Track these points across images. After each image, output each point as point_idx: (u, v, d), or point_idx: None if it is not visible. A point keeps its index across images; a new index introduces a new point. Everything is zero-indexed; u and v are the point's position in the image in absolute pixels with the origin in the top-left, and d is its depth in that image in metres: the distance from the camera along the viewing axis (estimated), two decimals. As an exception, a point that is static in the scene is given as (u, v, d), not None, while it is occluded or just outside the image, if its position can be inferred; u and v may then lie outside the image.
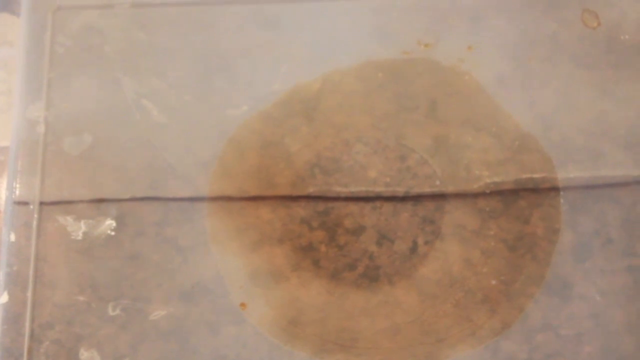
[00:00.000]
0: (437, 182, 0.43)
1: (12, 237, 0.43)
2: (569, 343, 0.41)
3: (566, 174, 0.43)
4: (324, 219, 0.43)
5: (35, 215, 0.43)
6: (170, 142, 0.44)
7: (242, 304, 0.42)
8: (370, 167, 0.44)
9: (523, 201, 0.43)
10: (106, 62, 0.45)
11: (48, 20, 0.46)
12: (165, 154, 0.44)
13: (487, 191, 0.43)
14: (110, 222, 0.43)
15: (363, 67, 0.45)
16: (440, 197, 0.43)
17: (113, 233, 0.43)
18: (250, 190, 0.43)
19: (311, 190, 0.43)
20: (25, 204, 0.43)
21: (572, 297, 0.41)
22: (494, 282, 0.42)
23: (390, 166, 0.44)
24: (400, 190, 0.43)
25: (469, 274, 0.42)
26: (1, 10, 0.49)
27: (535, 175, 0.43)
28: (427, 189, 0.43)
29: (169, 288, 0.42)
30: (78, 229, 0.43)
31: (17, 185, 0.44)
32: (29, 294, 0.43)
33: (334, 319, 0.42)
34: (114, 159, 0.44)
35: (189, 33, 0.46)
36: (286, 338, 0.42)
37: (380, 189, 0.43)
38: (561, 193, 0.43)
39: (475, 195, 0.43)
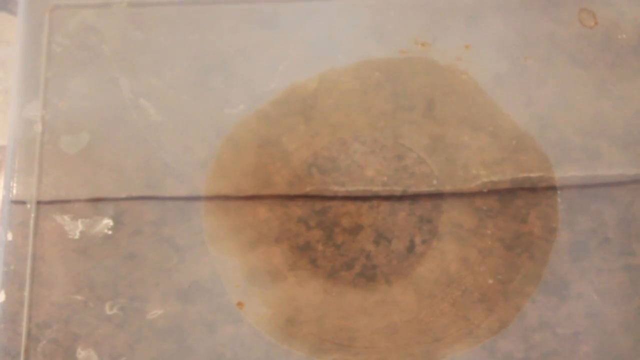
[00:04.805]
0: (435, 182, 0.43)
1: (9, 236, 0.43)
2: (565, 342, 0.41)
3: (563, 173, 0.43)
4: (321, 218, 0.43)
5: (33, 215, 0.43)
6: (168, 141, 0.44)
7: (239, 303, 0.42)
8: (368, 166, 0.44)
9: (520, 200, 0.43)
10: (103, 61, 0.45)
11: (45, 19, 0.46)
12: (163, 153, 0.44)
13: (484, 190, 0.43)
14: (107, 222, 0.43)
15: (360, 66, 0.45)
16: (437, 196, 0.43)
17: (110, 232, 0.43)
18: (247, 190, 0.43)
19: (308, 189, 0.43)
20: (23, 203, 0.43)
21: (569, 296, 0.41)
22: (491, 281, 0.42)
23: (387, 165, 0.44)
24: (397, 189, 0.43)
25: (466, 273, 0.42)
26: (-2, 9, 0.49)
27: (533, 175, 0.43)
28: (424, 188, 0.43)
29: (166, 287, 0.42)
30: (75, 228, 0.43)
31: (14, 185, 0.44)
32: (26, 293, 0.42)
33: (331, 318, 0.42)
34: (111, 158, 0.44)
35: (186, 32, 0.46)
36: (283, 337, 0.42)
37: (377, 188, 0.43)
38: (558, 192, 0.43)
39: (473, 194, 0.43)
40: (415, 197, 0.43)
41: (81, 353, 0.42)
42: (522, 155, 0.43)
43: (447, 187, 0.43)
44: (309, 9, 0.46)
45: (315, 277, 0.42)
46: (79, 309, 0.42)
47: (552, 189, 0.43)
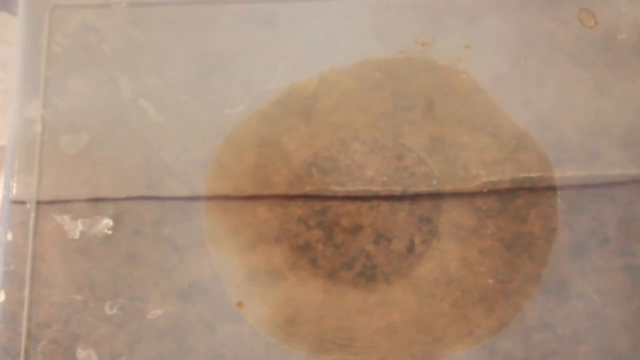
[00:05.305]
0: (434, 181, 0.43)
1: (9, 236, 0.43)
2: (566, 342, 0.41)
3: (563, 173, 0.43)
4: (321, 218, 0.43)
5: (32, 215, 0.43)
6: (167, 141, 0.44)
7: (239, 303, 0.42)
8: (368, 166, 0.44)
9: (520, 200, 0.43)
10: (103, 61, 0.45)
11: (45, 19, 0.46)
12: (162, 153, 0.44)
13: (484, 190, 0.43)
14: (107, 221, 0.43)
15: (360, 66, 0.45)
16: (437, 196, 0.43)
17: (110, 232, 0.43)
18: (247, 190, 0.43)
19: (308, 189, 0.43)
20: (22, 203, 0.43)
21: (569, 296, 0.41)
22: (491, 281, 0.42)
23: (387, 165, 0.44)
24: (397, 189, 0.43)
25: (466, 273, 0.42)
26: (-2, 9, 0.49)
27: (532, 175, 0.43)
28: (424, 188, 0.43)
29: (166, 287, 0.42)
30: (75, 228, 0.43)
31: (14, 184, 0.44)
32: (26, 293, 0.42)
33: (331, 318, 0.42)
34: (111, 158, 0.44)
35: (186, 32, 0.46)
36: (283, 337, 0.42)
37: (377, 188, 0.43)
38: (558, 192, 0.43)
39: (473, 194, 0.43)
40: (415, 197, 0.43)
41: (81, 353, 0.42)
42: (522, 155, 0.43)
43: (447, 187, 0.43)
44: (309, 9, 0.46)
45: (315, 277, 0.42)
46: (79, 309, 0.42)
47: (552, 189, 0.43)
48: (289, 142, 0.44)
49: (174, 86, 0.45)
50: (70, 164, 0.44)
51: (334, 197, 0.43)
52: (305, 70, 0.45)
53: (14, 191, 0.44)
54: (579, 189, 0.43)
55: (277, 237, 0.43)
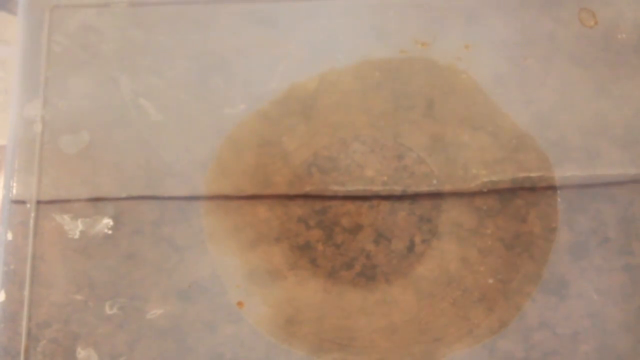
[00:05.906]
0: (434, 181, 0.43)
1: (9, 236, 0.43)
2: (565, 342, 0.41)
3: (563, 172, 0.43)
4: (321, 217, 0.43)
5: (32, 214, 0.43)
6: (168, 141, 0.44)
7: (239, 303, 0.42)
8: (368, 165, 0.44)
9: (520, 200, 0.43)
10: (103, 60, 0.45)
11: (45, 18, 0.46)
12: (163, 152, 0.44)
13: (484, 190, 0.43)
14: (107, 221, 0.43)
15: (360, 66, 0.45)
16: (437, 195, 0.43)
17: (110, 232, 0.43)
18: (247, 189, 0.43)
19: (308, 189, 0.43)
20: (22, 202, 0.43)
21: (569, 296, 0.41)
22: (491, 280, 0.42)
23: (387, 165, 0.44)
24: (397, 189, 0.43)
25: (466, 273, 0.42)
26: (-2, 9, 0.49)
27: (532, 174, 0.43)
28: (424, 188, 0.43)
29: (166, 287, 0.42)
30: (75, 227, 0.43)
31: (14, 184, 0.44)
32: (26, 292, 0.42)
33: (331, 317, 0.42)
34: (111, 158, 0.44)
35: (186, 32, 0.46)
36: (283, 336, 0.42)
37: (377, 187, 0.43)
38: (558, 192, 0.43)
39: (473, 194, 0.43)
40: (415, 197, 0.43)
41: (81, 353, 0.42)
42: (522, 154, 0.43)
43: (447, 187, 0.43)
44: (309, 9, 0.46)
45: (315, 276, 0.42)
46: (79, 309, 0.42)
47: (552, 188, 0.43)
48: (289, 142, 0.44)
49: (174, 86, 0.45)
50: (70, 164, 0.44)
51: (334, 197, 0.43)
52: (305, 70, 0.45)
53: (14, 191, 0.44)
54: (579, 189, 0.43)
55: (277, 237, 0.43)
